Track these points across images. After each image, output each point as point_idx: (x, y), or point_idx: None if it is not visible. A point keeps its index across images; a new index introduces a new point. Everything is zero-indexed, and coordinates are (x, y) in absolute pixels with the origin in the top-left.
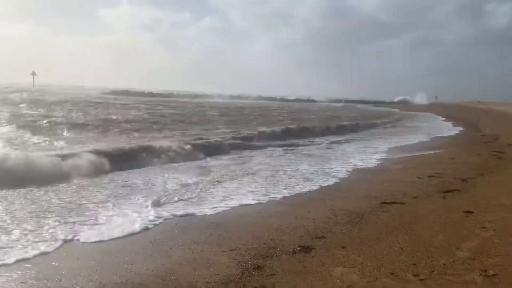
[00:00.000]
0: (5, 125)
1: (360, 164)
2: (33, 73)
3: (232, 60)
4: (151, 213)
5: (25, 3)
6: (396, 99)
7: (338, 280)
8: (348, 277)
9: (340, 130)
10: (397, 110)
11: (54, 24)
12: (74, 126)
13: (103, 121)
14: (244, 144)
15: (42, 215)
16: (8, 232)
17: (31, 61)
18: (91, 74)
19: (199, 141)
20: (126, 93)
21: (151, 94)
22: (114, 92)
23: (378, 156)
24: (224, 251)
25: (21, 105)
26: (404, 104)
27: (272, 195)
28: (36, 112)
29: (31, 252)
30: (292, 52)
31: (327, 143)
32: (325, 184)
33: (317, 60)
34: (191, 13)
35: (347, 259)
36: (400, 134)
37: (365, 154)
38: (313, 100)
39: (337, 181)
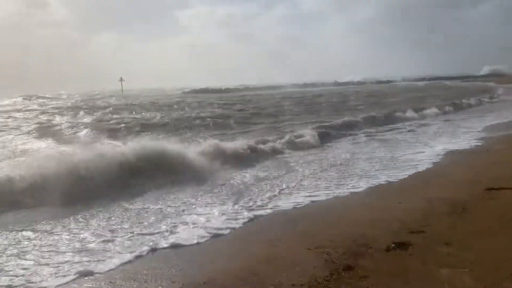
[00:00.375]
0: (84, 129)
1: (455, 147)
2: (121, 79)
3: (306, 46)
4: (232, 212)
5: (109, 15)
6: (483, 71)
7: (447, 284)
8: (458, 280)
9: (426, 111)
10: (492, 84)
11: (136, 31)
12: (159, 125)
13: (177, 120)
14: (324, 133)
15: (127, 220)
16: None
17: (119, 67)
18: (172, 75)
19: (275, 135)
20: (205, 91)
21: (228, 90)
22: (193, 91)
23: (474, 136)
24: (309, 249)
25: (106, 110)
26: (499, 76)
27: (358, 186)
28: (120, 116)
29: (115, 261)
30: (367, 32)
31: (414, 127)
32: (417, 171)
33: (394, 38)
34: (261, 4)
35: (454, 258)
36: (498, 110)
37: (459, 136)
38: (393, 81)
39: (430, 166)
